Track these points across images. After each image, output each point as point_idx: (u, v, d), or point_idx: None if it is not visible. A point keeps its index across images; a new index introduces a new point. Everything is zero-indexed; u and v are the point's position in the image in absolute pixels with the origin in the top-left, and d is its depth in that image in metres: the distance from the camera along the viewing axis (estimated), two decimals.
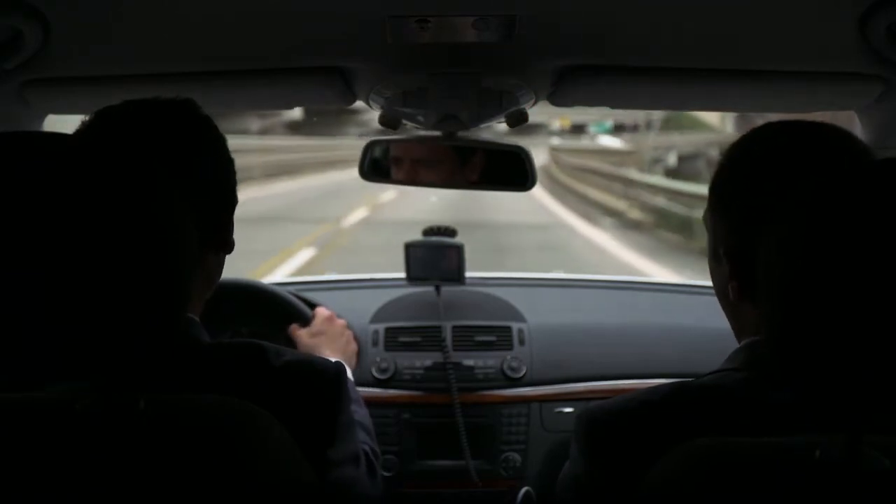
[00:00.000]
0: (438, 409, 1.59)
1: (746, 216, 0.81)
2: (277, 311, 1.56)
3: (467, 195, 11.92)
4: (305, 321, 1.53)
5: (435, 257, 1.76)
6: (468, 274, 1.77)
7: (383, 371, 1.62)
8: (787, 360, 0.63)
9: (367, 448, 0.99)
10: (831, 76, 1.09)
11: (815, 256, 0.60)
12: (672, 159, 21.90)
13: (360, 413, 1.10)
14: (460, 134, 1.28)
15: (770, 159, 0.83)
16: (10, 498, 0.64)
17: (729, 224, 0.84)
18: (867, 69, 1.04)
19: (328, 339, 1.48)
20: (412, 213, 10.44)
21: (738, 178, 0.85)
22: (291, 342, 1.49)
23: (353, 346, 1.55)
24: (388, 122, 1.25)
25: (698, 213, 6.99)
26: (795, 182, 0.66)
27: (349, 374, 1.07)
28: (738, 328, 0.87)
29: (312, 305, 1.60)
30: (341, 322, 1.55)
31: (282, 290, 1.60)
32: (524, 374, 1.62)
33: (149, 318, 0.63)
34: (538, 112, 1.31)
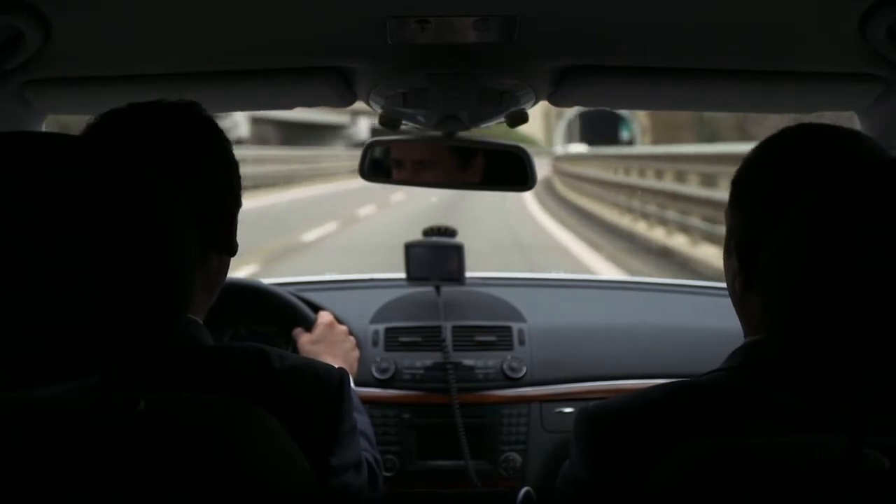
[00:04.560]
0: (438, 409, 1.59)
1: (757, 211, 0.82)
2: (278, 312, 1.56)
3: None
4: (307, 324, 1.52)
5: (435, 257, 1.76)
6: (468, 274, 1.77)
7: (383, 371, 1.62)
8: (788, 359, 0.63)
9: (368, 457, 0.98)
10: (831, 76, 1.09)
11: (817, 256, 0.60)
12: None
13: (362, 421, 1.09)
14: (460, 134, 1.28)
15: (786, 157, 0.83)
16: (10, 498, 0.64)
17: (741, 217, 0.85)
18: (867, 69, 1.04)
19: (330, 346, 1.47)
20: None
21: (756, 173, 0.86)
22: (292, 343, 1.49)
23: (356, 354, 1.54)
24: (389, 122, 1.25)
25: None
26: (803, 182, 0.66)
27: (351, 381, 1.07)
28: (746, 326, 0.87)
29: (314, 307, 1.59)
30: (343, 328, 1.54)
31: (283, 291, 1.60)
32: (524, 375, 1.62)
33: (149, 319, 0.63)
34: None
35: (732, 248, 0.86)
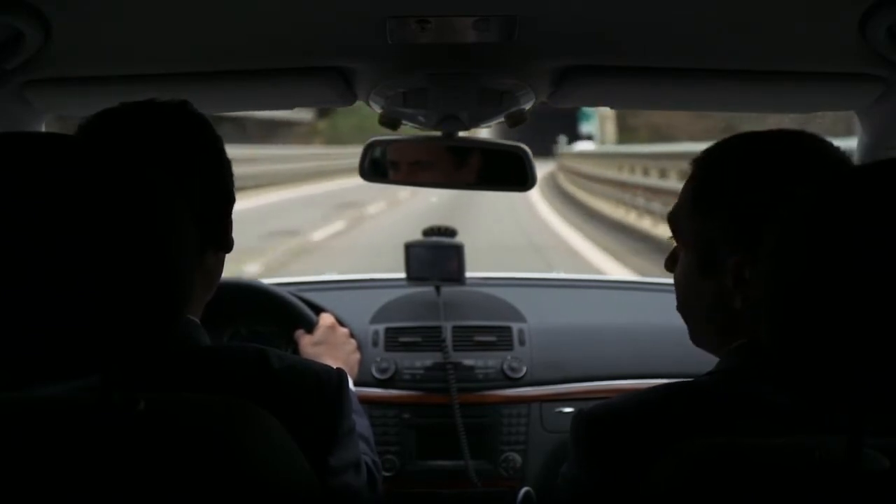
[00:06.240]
0: (438, 409, 1.59)
1: (746, 220, 0.79)
2: (279, 312, 1.56)
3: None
4: (308, 325, 1.52)
5: (435, 257, 1.76)
6: (468, 274, 1.77)
7: (383, 371, 1.62)
8: (784, 359, 0.63)
9: (367, 460, 0.98)
10: (831, 76, 1.09)
11: (812, 257, 0.60)
12: None
13: (361, 424, 1.09)
14: (460, 134, 1.28)
15: (761, 164, 0.82)
16: (10, 498, 0.64)
17: (727, 231, 0.82)
18: (867, 69, 1.04)
19: (331, 348, 1.48)
20: None
21: (730, 183, 0.83)
22: (293, 345, 1.49)
23: (357, 356, 1.54)
24: (388, 122, 1.25)
25: None
26: (791, 185, 0.66)
27: (350, 383, 1.07)
28: (721, 337, 0.85)
29: (316, 309, 1.60)
30: (344, 331, 1.55)
31: (284, 292, 1.60)
32: (524, 375, 1.62)
33: (149, 319, 0.63)
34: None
35: (728, 266, 0.81)
